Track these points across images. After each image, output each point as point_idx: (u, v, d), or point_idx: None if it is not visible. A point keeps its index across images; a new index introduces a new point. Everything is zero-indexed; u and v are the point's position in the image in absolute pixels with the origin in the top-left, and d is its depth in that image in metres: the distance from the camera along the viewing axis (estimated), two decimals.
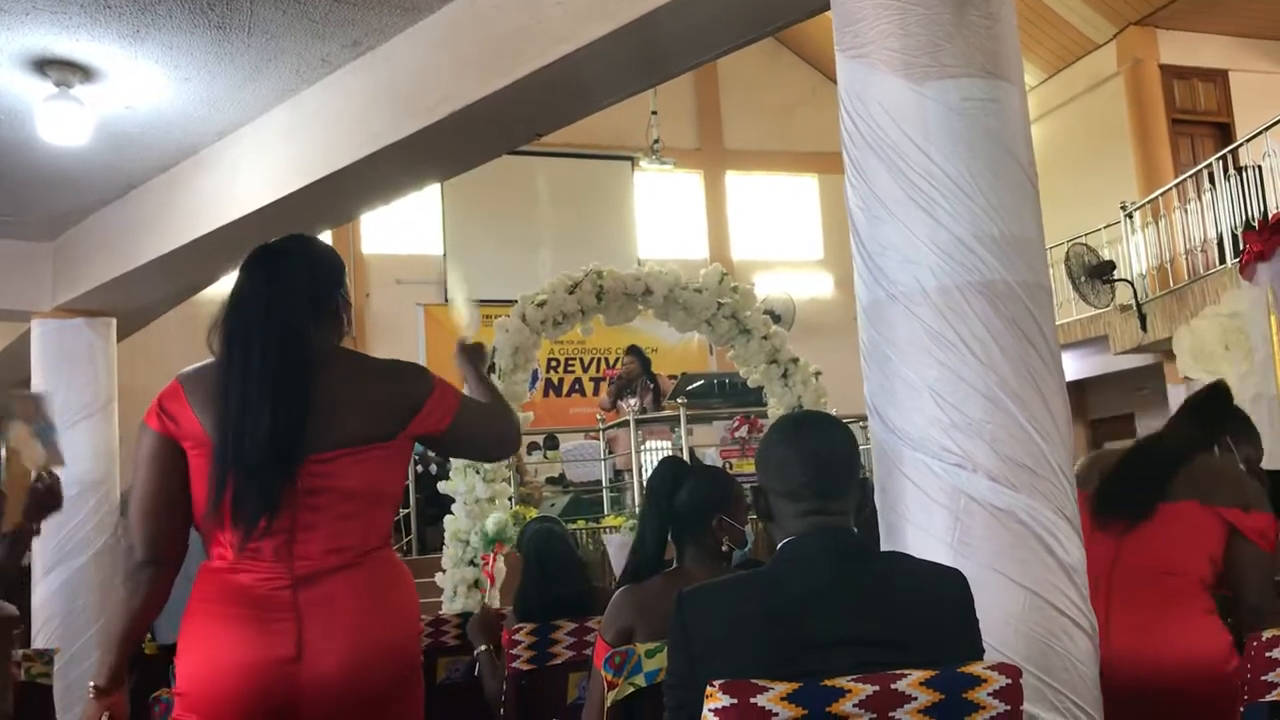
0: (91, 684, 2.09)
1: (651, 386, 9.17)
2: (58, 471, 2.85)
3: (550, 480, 10.93)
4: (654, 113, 13.56)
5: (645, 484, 3.05)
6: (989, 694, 1.77)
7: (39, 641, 5.82)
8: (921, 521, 2.35)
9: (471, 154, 4.63)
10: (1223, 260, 10.09)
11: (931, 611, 1.88)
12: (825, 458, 1.93)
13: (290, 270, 2.14)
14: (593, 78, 3.76)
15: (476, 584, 5.71)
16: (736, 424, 9.31)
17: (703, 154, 15.63)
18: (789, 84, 15.68)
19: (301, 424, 2.02)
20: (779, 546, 1.93)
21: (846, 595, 1.85)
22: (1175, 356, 11.20)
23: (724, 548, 2.86)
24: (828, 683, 1.72)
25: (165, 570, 2.10)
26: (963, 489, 2.30)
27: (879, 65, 2.46)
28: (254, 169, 4.86)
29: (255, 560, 2.02)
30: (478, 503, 5.90)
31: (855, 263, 2.53)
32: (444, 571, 6.01)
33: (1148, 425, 13.98)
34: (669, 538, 2.94)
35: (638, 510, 8.18)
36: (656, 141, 13.67)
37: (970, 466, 2.30)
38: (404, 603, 2.16)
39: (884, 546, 2.43)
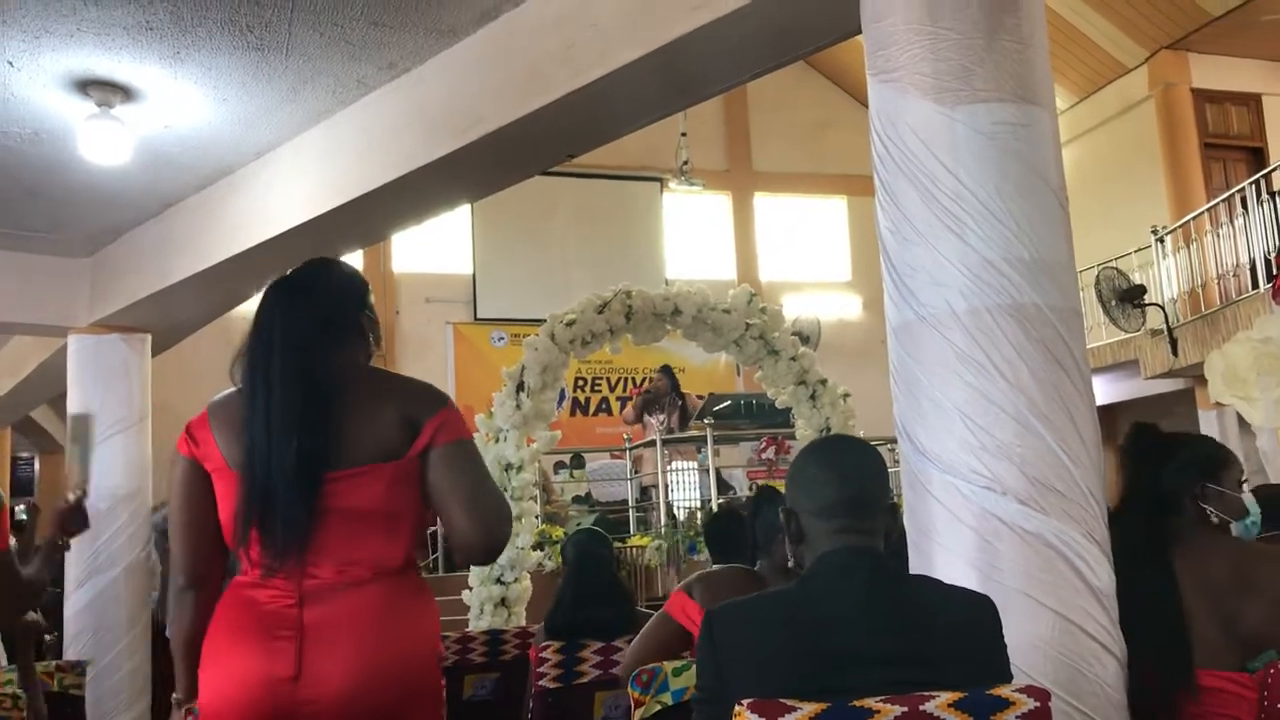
0: (174, 695, 2.24)
1: (679, 404, 9.17)
2: (84, 490, 2.92)
3: (576, 499, 10.93)
4: (683, 134, 13.62)
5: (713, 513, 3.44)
6: (1017, 717, 1.76)
7: (71, 653, 5.88)
8: (950, 544, 2.35)
9: (503, 175, 4.68)
10: (1255, 285, 10.01)
11: (960, 635, 1.88)
12: (856, 477, 1.94)
13: (309, 298, 2.18)
14: (624, 102, 3.79)
15: (504, 602, 5.72)
16: (764, 445, 9.30)
17: (731, 175, 15.67)
18: (818, 106, 15.72)
19: (322, 449, 2.06)
20: (809, 565, 1.94)
21: (876, 615, 1.85)
22: (1207, 382, 11.13)
23: (789, 564, 3.03)
24: (856, 703, 1.72)
25: (206, 593, 2.16)
26: (992, 511, 2.30)
27: (910, 89, 2.48)
28: (289, 188, 4.93)
29: (269, 576, 2.06)
30: None
31: (885, 284, 2.54)
32: (470, 589, 6.02)
33: None
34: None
35: (663, 530, 8.19)
36: (686, 163, 13.72)
37: (1000, 489, 2.30)
38: (418, 624, 2.13)
39: (913, 568, 2.43)
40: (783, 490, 3.47)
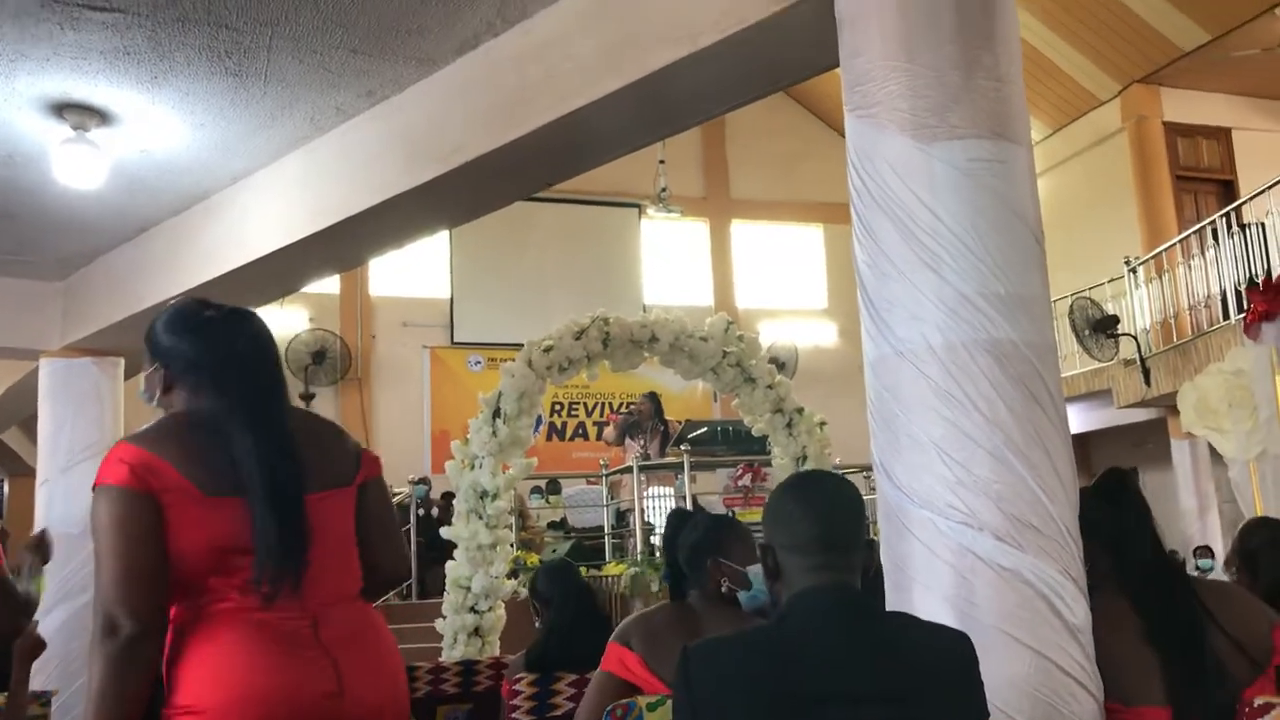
0: None
1: (661, 429, 9.16)
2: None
3: (551, 525, 10.87)
4: (661, 161, 13.66)
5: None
6: None
7: (36, 683, 5.76)
8: (927, 580, 2.35)
9: (483, 202, 4.68)
10: (1226, 316, 10.12)
11: (938, 674, 1.87)
12: (834, 512, 1.94)
13: (266, 334, 2.23)
14: (603, 131, 3.81)
15: (478, 631, 5.68)
16: (740, 472, 9.28)
17: (709, 203, 15.73)
18: (795, 135, 15.82)
19: (299, 467, 2.08)
20: (785, 602, 1.93)
21: (854, 654, 1.85)
22: (1179, 412, 11.22)
23: (724, 589, 2.98)
24: None
25: (159, 641, 1.99)
26: (969, 548, 2.30)
27: (888, 125, 2.49)
28: (266, 214, 4.91)
29: (268, 601, 1.99)
30: (480, 549, 5.88)
31: (862, 319, 2.55)
32: (444, 618, 5.98)
33: (1152, 479, 13.94)
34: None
35: (639, 557, 8.15)
36: (664, 190, 13.77)
37: (976, 525, 2.30)
38: (392, 642, 2.20)
39: (889, 603, 2.43)
40: (693, 510, 3.45)
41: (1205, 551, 11.16)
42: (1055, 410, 2.40)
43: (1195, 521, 11.81)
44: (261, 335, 2.21)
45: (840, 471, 7.89)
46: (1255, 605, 2.50)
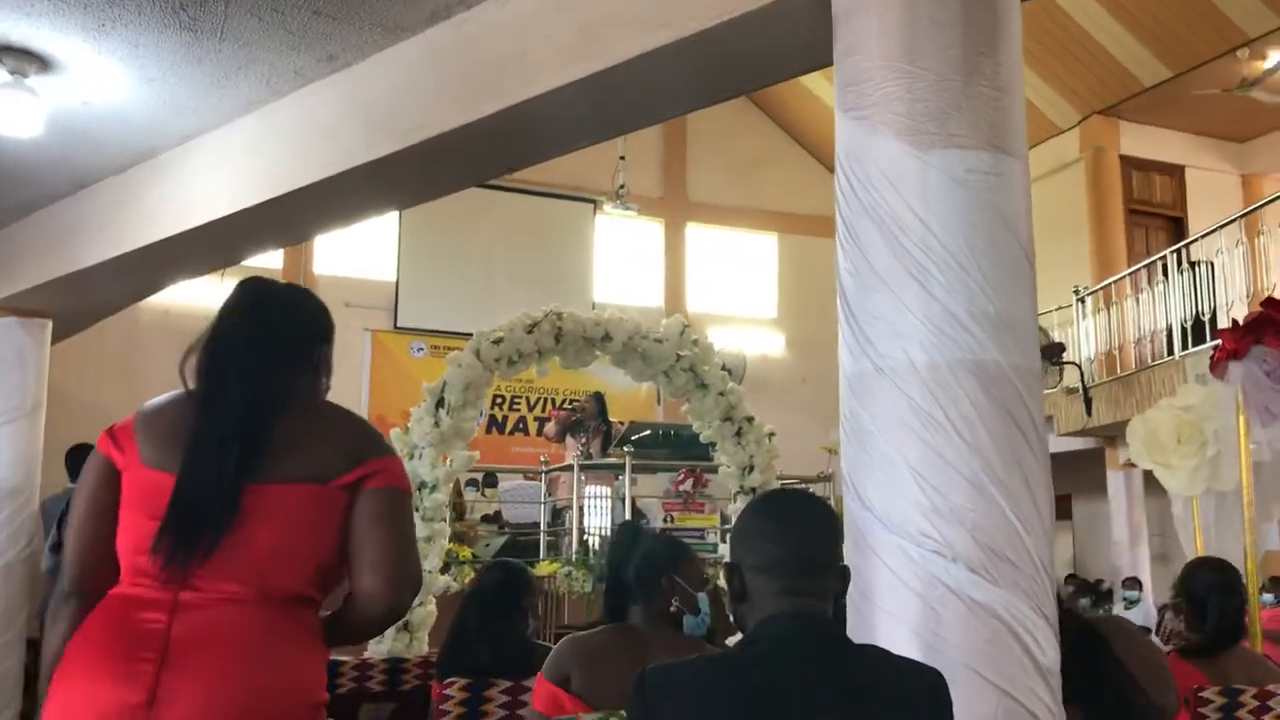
0: None
1: (604, 429, 9.04)
2: None
3: (486, 519, 10.68)
4: (622, 158, 13.53)
5: (606, 546, 3.09)
6: None
7: None
8: (893, 609, 2.24)
9: (441, 183, 4.50)
10: (1170, 352, 10.22)
11: (908, 711, 1.76)
12: (806, 534, 1.82)
13: (276, 314, 2.13)
14: (573, 118, 3.65)
15: (407, 626, 5.49)
16: (681, 477, 9.18)
17: (665, 203, 15.62)
18: (756, 141, 15.76)
19: (254, 459, 1.97)
20: (751, 628, 1.80)
21: (820, 688, 1.73)
22: (1116, 443, 11.31)
23: (673, 608, 2.91)
24: None
25: (90, 604, 1.99)
26: (940, 578, 2.19)
27: (881, 128, 2.37)
28: (214, 178, 4.69)
29: (148, 579, 1.94)
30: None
31: (841, 331, 2.42)
32: None
33: (1086, 508, 14.09)
34: (624, 599, 3.01)
35: (573, 556, 8.01)
36: (622, 187, 13.62)
37: (949, 555, 2.19)
38: (298, 663, 1.97)
39: (851, 631, 2.30)
40: (642, 523, 3.34)
41: (1133, 583, 11.28)
42: (1037, 438, 2.30)
43: (1125, 553, 11.94)
44: (272, 317, 2.11)
45: (781, 484, 7.83)
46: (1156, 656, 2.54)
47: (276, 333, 2.10)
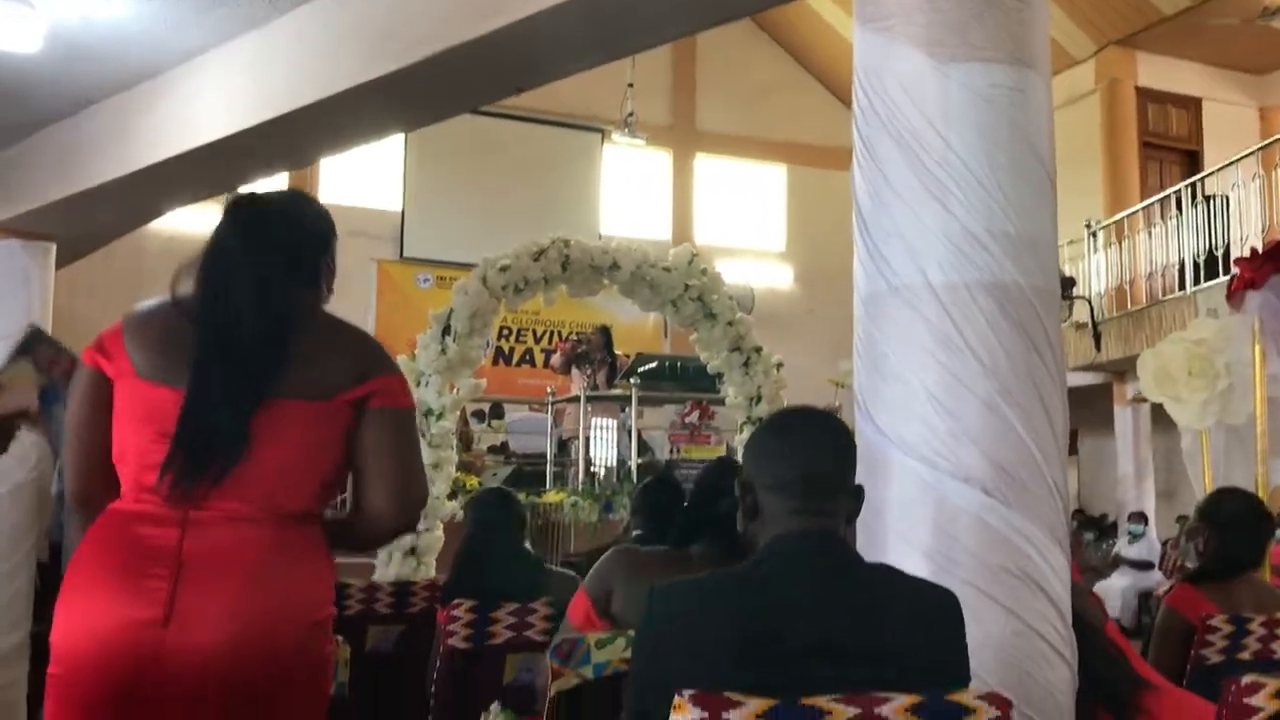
0: None
1: (609, 362, 9.02)
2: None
3: (492, 450, 10.72)
4: (630, 85, 13.32)
5: (695, 480, 2.84)
6: None
7: None
8: (905, 530, 2.21)
9: (444, 102, 4.43)
10: (1182, 287, 10.13)
11: (920, 631, 1.74)
12: (820, 452, 1.79)
13: (275, 225, 2.04)
14: (577, 35, 3.57)
15: (414, 551, 5.51)
16: (688, 409, 9.17)
17: (674, 132, 15.42)
18: (765, 69, 15.50)
19: (263, 378, 1.91)
20: (762, 546, 1.78)
21: (831, 605, 1.71)
22: (1125, 378, 11.27)
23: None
24: (807, 702, 1.58)
25: (96, 515, 1.95)
26: (952, 500, 2.16)
27: (901, 39, 2.30)
28: (215, 98, 4.62)
29: (154, 497, 1.88)
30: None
31: (857, 250, 2.37)
32: None
33: (1090, 443, 14.10)
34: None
35: (580, 486, 8.03)
36: (631, 115, 13.43)
37: (963, 477, 2.16)
38: (310, 577, 1.95)
39: (861, 550, 2.28)
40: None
41: (1139, 518, 11.31)
42: (1054, 362, 2.26)
43: (1131, 488, 11.95)
44: (267, 228, 2.02)
45: None
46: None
47: (277, 245, 2.01)
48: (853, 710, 1.57)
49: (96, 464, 1.95)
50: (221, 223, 2.04)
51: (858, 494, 1.83)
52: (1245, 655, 2.97)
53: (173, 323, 1.96)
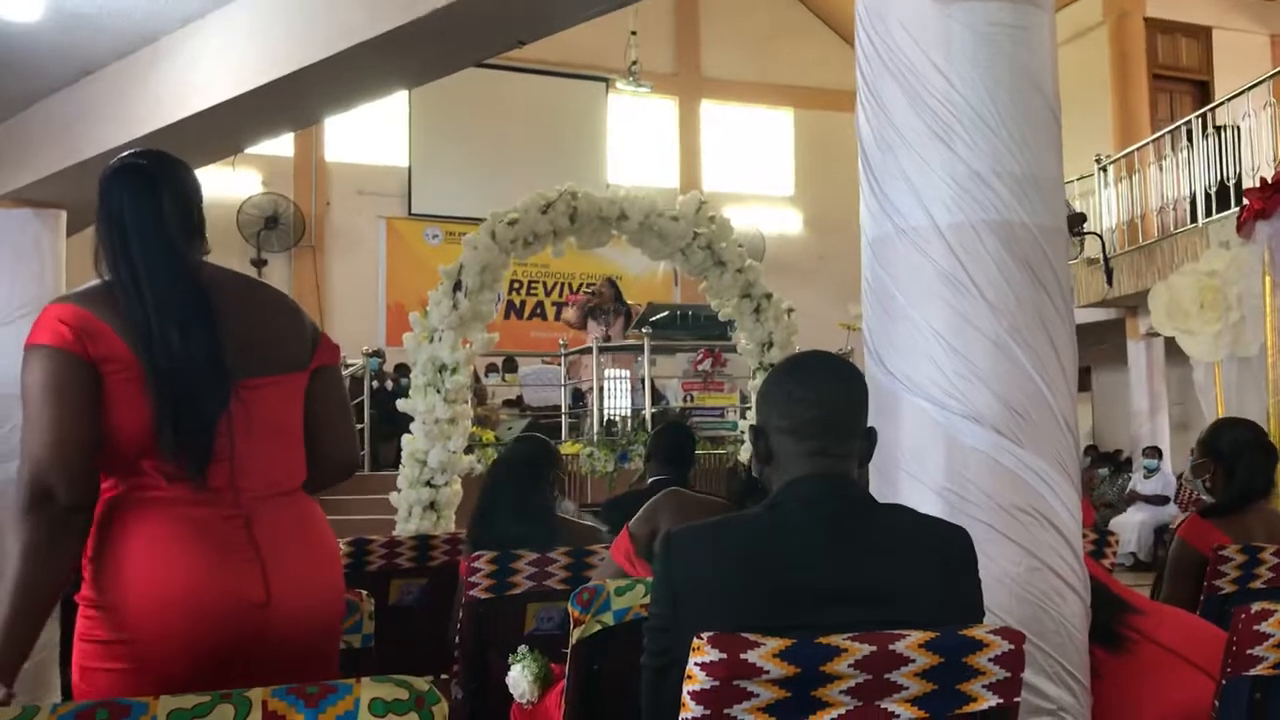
0: None
1: (623, 311, 9.06)
2: None
3: (507, 403, 10.78)
4: (633, 33, 13.21)
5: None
6: (989, 659, 1.67)
7: None
8: (916, 471, 2.24)
9: (448, 58, 4.40)
10: (1194, 219, 10.06)
11: (933, 570, 1.77)
12: (833, 396, 1.81)
13: (164, 184, 1.95)
14: None
15: (433, 505, 5.58)
16: (700, 357, 9.21)
17: (679, 79, 15.31)
18: (770, 13, 15.36)
19: (218, 343, 1.87)
20: (776, 489, 1.80)
21: (846, 547, 1.74)
22: (1137, 313, 11.24)
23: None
24: (823, 640, 1.61)
25: (91, 515, 1.86)
26: (963, 439, 2.18)
27: None
28: (217, 61, 4.60)
29: (199, 491, 1.84)
30: (438, 423, 5.74)
31: (863, 193, 2.38)
32: (399, 491, 5.86)
33: (1106, 379, 14.08)
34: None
35: (595, 437, 8.09)
36: (635, 63, 13.33)
37: (973, 416, 2.18)
38: (333, 541, 2.06)
39: (873, 492, 2.31)
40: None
41: (1153, 452, 11.33)
42: (1062, 299, 2.27)
43: (1145, 423, 11.96)
44: (154, 188, 1.92)
45: None
46: None
47: (169, 208, 1.93)
48: (868, 648, 1.61)
49: (75, 454, 1.80)
50: (110, 195, 1.94)
51: (870, 436, 1.85)
52: (1258, 584, 3.01)
53: (122, 304, 1.86)
